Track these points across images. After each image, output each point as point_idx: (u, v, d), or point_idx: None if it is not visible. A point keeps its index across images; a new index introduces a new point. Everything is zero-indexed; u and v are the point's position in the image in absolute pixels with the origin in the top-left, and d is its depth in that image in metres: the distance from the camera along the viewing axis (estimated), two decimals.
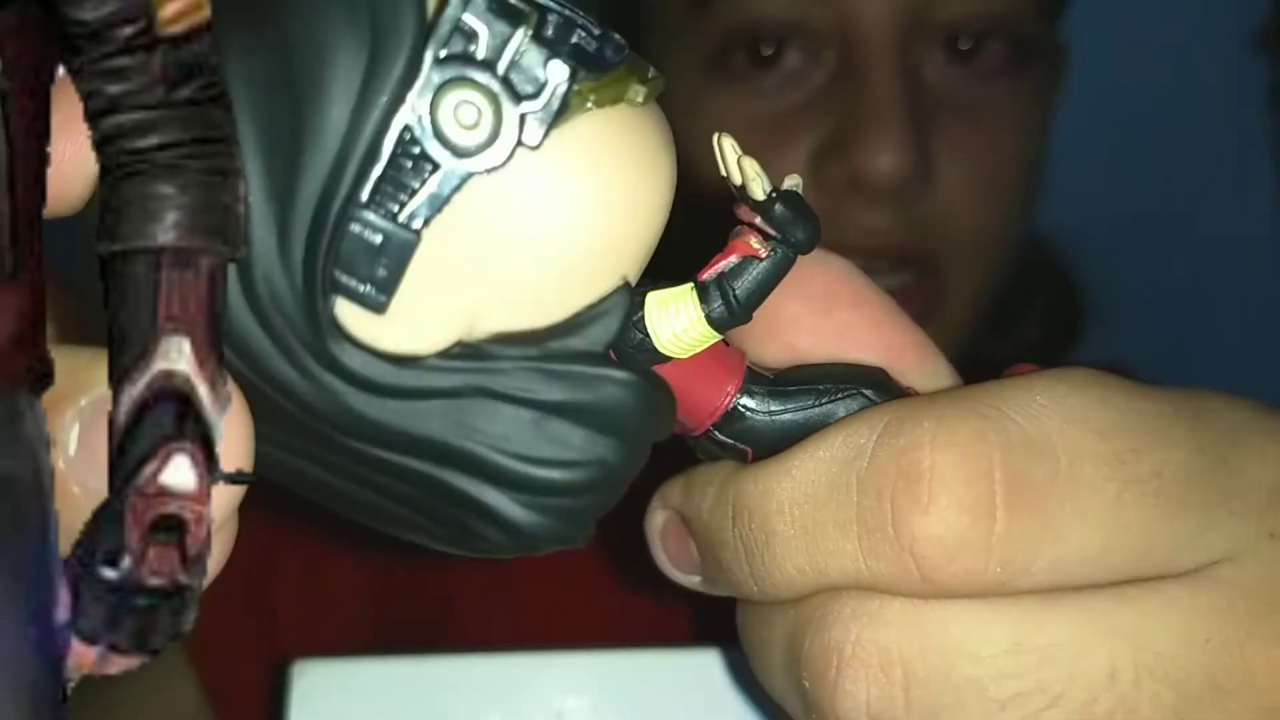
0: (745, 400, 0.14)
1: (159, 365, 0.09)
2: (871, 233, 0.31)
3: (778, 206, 0.12)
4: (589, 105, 0.11)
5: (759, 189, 0.12)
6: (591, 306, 0.12)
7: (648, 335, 0.12)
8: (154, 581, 0.09)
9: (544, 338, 0.11)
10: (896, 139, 0.29)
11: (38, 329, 0.09)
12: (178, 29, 0.09)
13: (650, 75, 0.11)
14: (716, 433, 0.14)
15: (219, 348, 0.10)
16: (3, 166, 0.09)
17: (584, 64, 0.11)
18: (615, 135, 0.11)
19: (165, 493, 0.09)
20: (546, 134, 0.11)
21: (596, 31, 0.11)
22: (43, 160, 0.09)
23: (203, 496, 0.09)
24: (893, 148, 0.29)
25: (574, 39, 0.11)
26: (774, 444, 0.14)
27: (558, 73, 0.11)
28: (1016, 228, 0.35)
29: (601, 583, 0.31)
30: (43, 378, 0.09)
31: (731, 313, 0.12)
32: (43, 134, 0.09)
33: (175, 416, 0.09)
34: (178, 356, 0.09)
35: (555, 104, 0.11)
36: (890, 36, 0.30)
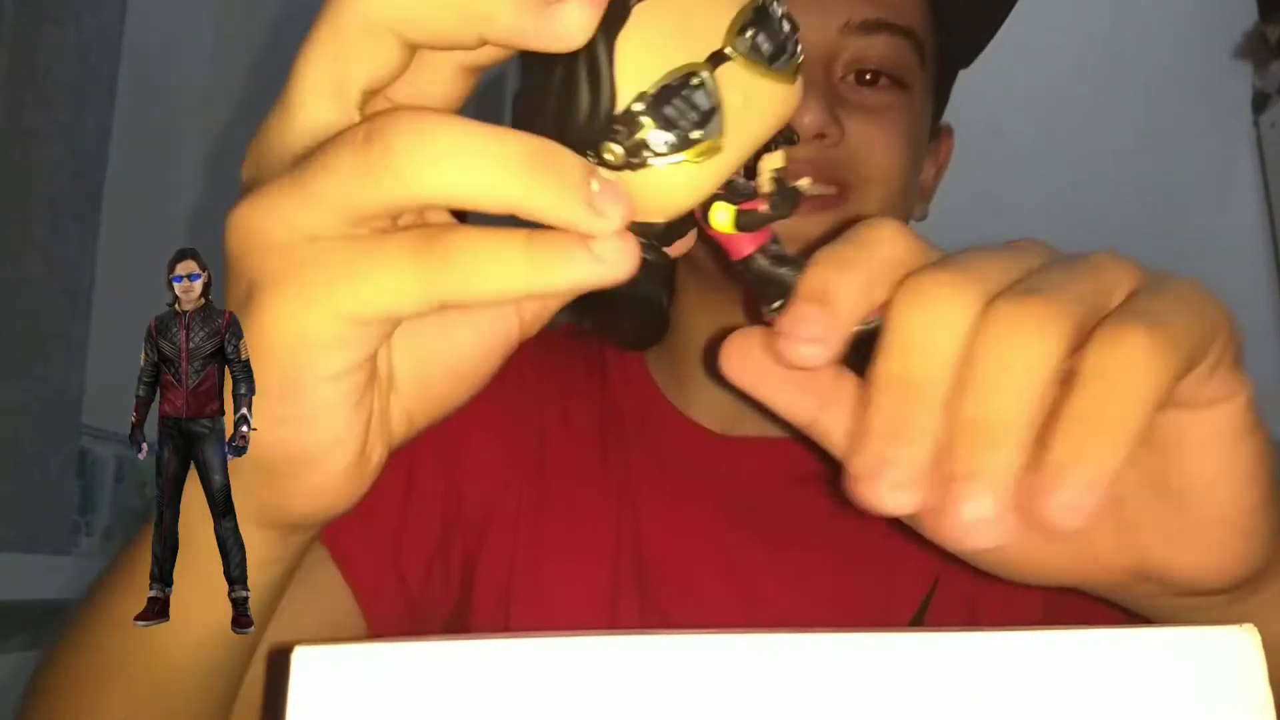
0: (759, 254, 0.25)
1: None
2: (803, 162, 0.50)
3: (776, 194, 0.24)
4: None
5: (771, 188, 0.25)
6: None
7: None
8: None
9: None
10: (814, 109, 0.50)
11: None
12: None
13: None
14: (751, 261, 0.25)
15: None
16: None
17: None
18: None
19: None
20: None
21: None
22: None
23: None
24: (810, 113, 0.50)
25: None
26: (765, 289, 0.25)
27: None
28: (907, 179, 0.55)
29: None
30: None
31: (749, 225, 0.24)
32: None
33: None
34: None
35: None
36: (818, 65, 0.52)
